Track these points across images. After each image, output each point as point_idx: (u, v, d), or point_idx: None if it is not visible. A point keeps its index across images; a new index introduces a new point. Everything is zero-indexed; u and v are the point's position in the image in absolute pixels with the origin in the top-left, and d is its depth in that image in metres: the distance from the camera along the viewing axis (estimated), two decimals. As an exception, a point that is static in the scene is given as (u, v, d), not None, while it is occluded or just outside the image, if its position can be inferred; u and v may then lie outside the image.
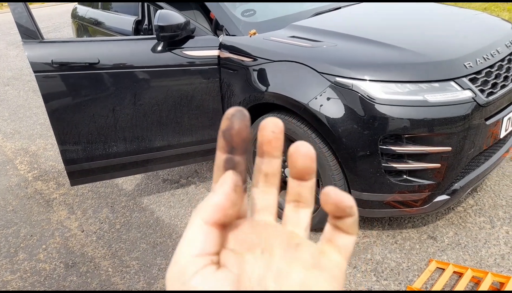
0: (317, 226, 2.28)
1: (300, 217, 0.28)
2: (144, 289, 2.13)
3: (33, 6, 14.51)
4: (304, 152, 0.27)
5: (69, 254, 2.43)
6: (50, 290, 2.18)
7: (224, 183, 0.26)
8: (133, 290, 2.13)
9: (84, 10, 4.09)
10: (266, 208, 0.29)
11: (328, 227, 0.27)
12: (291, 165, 0.27)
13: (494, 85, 2.01)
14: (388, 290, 1.95)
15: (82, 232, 2.61)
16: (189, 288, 0.23)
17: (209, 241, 0.25)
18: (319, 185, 2.18)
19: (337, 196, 0.25)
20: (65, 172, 3.34)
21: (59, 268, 2.33)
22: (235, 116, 0.26)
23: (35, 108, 4.89)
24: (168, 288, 0.24)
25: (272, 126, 0.27)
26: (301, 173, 0.27)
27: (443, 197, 1.98)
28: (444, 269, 1.99)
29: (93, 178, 2.56)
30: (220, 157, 0.27)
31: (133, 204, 2.84)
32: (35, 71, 2.20)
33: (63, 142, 2.39)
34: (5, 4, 15.63)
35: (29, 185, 3.23)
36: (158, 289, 2.12)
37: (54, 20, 11.46)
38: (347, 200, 0.25)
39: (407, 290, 1.92)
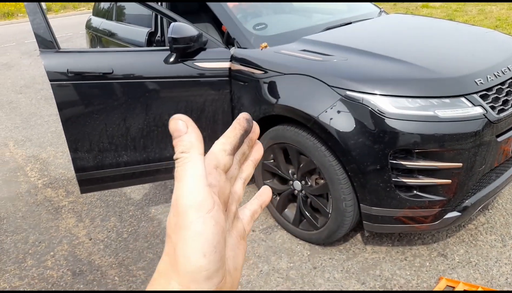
0: (325, 241, 2.26)
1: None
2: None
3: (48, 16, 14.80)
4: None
5: (76, 262, 2.43)
6: (49, 290, 2.18)
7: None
8: (134, 290, 2.13)
9: (98, 22, 4.18)
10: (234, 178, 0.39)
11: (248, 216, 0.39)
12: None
13: (505, 102, 2.00)
14: (395, 290, 1.92)
15: (90, 240, 2.62)
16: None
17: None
18: (328, 198, 2.17)
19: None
20: (74, 179, 3.36)
21: (66, 275, 2.33)
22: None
23: (47, 116, 4.96)
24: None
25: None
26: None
27: (454, 214, 1.96)
28: (454, 287, 1.96)
29: (102, 186, 2.57)
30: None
31: (141, 214, 2.85)
32: (51, 80, 2.24)
33: (74, 150, 2.41)
34: (20, 14, 16.00)
35: (38, 192, 3.26)
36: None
37: (67, 30, 11.69)
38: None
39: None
